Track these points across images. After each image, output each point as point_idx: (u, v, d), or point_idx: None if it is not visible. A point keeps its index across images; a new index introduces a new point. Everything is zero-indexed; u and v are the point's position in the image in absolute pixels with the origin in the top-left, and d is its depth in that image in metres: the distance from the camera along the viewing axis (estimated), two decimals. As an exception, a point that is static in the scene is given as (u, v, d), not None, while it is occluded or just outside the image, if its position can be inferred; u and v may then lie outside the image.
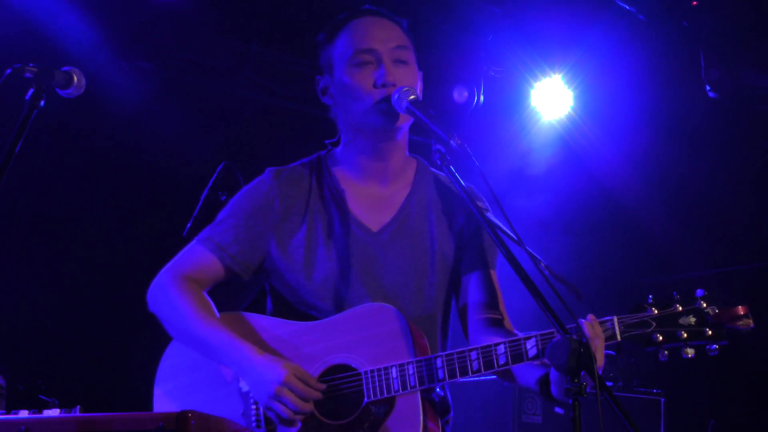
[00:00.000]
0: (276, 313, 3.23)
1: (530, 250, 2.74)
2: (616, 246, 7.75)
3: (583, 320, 2.75)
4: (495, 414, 5.88)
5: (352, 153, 3.26)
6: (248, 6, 6.18)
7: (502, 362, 2.86)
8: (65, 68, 2.95)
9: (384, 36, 3.18)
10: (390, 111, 3.09)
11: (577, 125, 7.16)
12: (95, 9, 5.76)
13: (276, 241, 3.20)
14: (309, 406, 2.95)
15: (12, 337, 5.72)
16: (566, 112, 7.16)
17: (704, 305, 2.77)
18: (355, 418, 2.97)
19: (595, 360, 2.49)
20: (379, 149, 3.22)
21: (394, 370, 2.94)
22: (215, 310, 3.16)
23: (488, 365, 2.87)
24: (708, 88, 6.50)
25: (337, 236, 3.19)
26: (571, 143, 7.25)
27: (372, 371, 2.96)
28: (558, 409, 2.85)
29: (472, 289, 3.22)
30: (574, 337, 2.52)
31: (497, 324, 3.16)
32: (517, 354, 2.85)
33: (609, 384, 4.96)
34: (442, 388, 3.04)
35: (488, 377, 3.03)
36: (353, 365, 3.00)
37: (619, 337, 2.80)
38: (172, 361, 3.23)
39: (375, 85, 3.12)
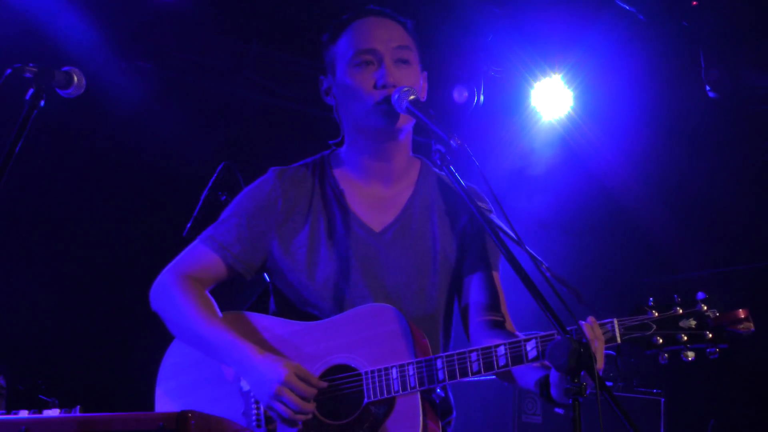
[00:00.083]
0: (278, 313, 3.23)
1: (532, 251, 2.74)
2: (616, 246, 7.75)
3: (583, 322, 2.75)
4: (495, 414, 5.87)
5: (355, 153, 3.26)
6: (248, 6, 6.18)
7: (502, 364, 2.86)
8: (65, 68, 2.95)
9: (385, 36, 3.17)
10: (390, 112, 3.09)
11: (577, 125, 7.15)
12: (95, 9, 5.75)
13: (278, 241, 3.21)
14: (310, 406, 2.95)
15: (12, 337, 5.71)
16: (566, 112, 7.15)
17: (705, 308, 2.77)
18: (355, 418, 2.97)
19: (595, 361, 2.49)
20: (382, 150, 3.22)
21: (394, 370, 2.94)
22: (217, 310, 3.16)
23: (488, 366, 2.88)
24: (708, 88, 6.50)
25: (339, 236, 3.19)
26: (571, 143, 7.25)
27: (372, 372, 2.96)
28: (558, 409, 2.85)
29: (474, 290, 3.22)
30: (574, 337, 2.53)
31: (498, 326, 3.16)
32: (517, 355, 2.85)
33: (609, 384, 4.96)
34: (444, 389, 3.04)
35: (488, 377, 3.03)
36: (354, 365, 3.00)
37: (619, 340, 2.80)
38: (174, 359, 3.24)
39: (375, 86, 3.11)
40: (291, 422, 2.96)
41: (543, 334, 2.82)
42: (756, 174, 7.16)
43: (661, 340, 2.77)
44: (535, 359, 2.83)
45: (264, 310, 3.28)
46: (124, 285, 5.97)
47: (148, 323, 3.48)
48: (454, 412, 3.21)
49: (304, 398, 2.93)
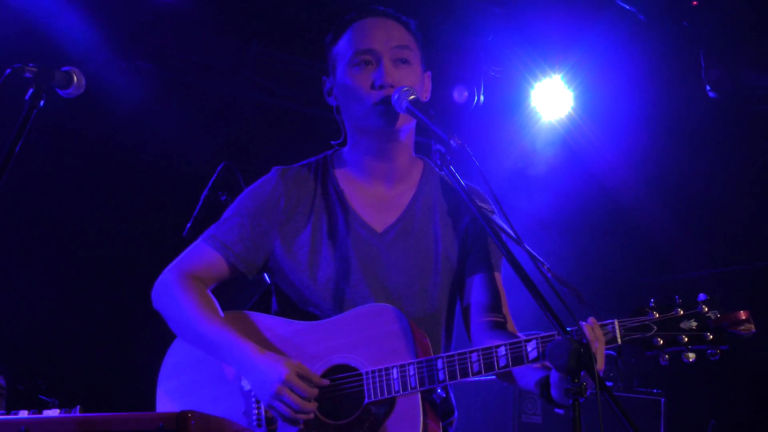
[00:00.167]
0: (280, 313, 3.24)
1: (533, 252, 2.74)
2: (617, 246, 7.75)
3: (584, 323, 2.75)
4: (495, 414, 5.87)
5: (357, 154, 3.26)
6: (248, 6, 6.18)
7: (502, 364, 2.86)
8: (65, 68, 2.95)
9: (385, 36, 3.17)
10: (389, 112, 3.09)
11: (577, 125, 7.16)
12: (95, 9, 5.75)
13: (280, 241, 3.21)
14: (311, 405, 2.95)
15: (12, 337, 5.72)
16: (566, 113, 7.15)
17: (706, 309, 2.77)
18: (356, 418, 2.97)
19: (595, 361, 2.49)
20: (384, 150, 3.21)
21: (395, 370, 2.94)
22: (219, 309, 3.17)
23: (489, 367, 2.87)
24: (708, 88, 6.50)
25: (341, 236, 3.19)
26: (572, 143, 7.25)
27: (373, 372, 2.96)
28: (558, 410, 2.85)
29: (476, 291, 3.22)
30: (575, 337, 2.52)
31: (500, 326, 3.16)
32: (518, 356, 2.85)
33: (609, 384, 4.96)
34: (445, 389, 3.03)
35: (488, 377, 3.03)
36: (354, 365, 3.00)
37: (619, 341, 2.80)
38: (175, 359, 3.24)
39: (373, 86, 3.11)
40: (292, 421, 2.96)
41: (544, 334, 2.82)
42: (756, 174, 7.16)
43: (661, 342, 2.77)
44: (536, 360, 2.83)
45: (266, 310, 3.29)
46: (124, 285, 5.98)
47: (148, 323, 3.48)
48: (456, 413, 3.20)
49: (305, 398, 2.93)
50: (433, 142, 2.84)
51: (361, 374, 2.98)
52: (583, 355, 2.47)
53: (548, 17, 6.49)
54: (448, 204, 3.28)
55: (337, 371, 3.01)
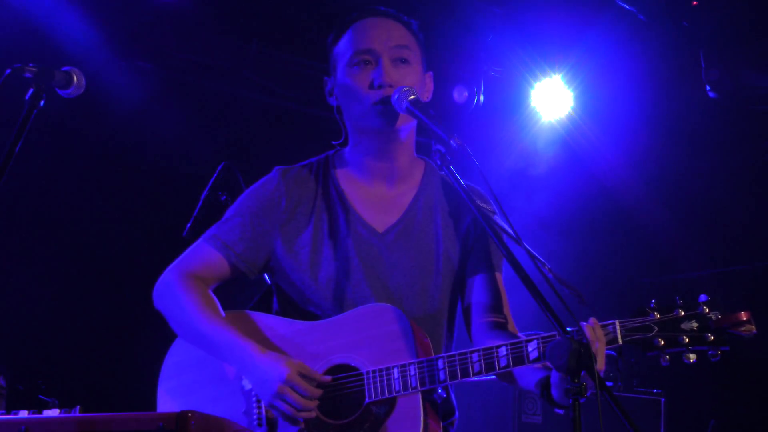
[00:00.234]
0: (281, 312, 3.24)
1: (533, 252, 2.74)
2: (617, 246, 7.75)
3: (584, 323, 2.75)
4: (495, 414, 5.87)
5: (358, 154, 3.26)
6: (248, 6, 6.18)
7: (503, 364, 2.86)
8: (65, 68, 2.95)
9: (384, 35, 3.17)
10: (388, 112, 3.09)
11: (578, 125, 7.16)
12: (95, 9, 5.75)
13: (282, 240, 3.21)
14: (312, 404, 2.95)
15: (12, 337, 5.71)
16: (566, 113, 7.16)
17: (707, 310, 2.77)
18: (356, 418, 2.97)
19: (596, 361, 2.49)
20: (384, 150, 3.21)
21: (395, 370, 2.94)
22: (220, 309, 3.17)
23: (489, 367, 2.87)
24: (708, 88, 6.50)
25: (342, 236, 3.19)
26: (572, 143, 7.25)
27: (374, 371, 2.96)
28: (559, 410, 2.85)
29: (477, 291, 3.22)
30: (575, 337, 2.52)
31: (501, 327, 3.16)
32: (519, 356, 2.85)
33: (609, 384, 4.95)
34: (446, 390, 3.03)
35: (489, 377, 3.03)
36: (355, 365, 3.00)
37: (620, 341, 2.80)
38: (176, 358, 3.24)
39: (372, 86, 3.11)
40: (293, 421, 2.95)
41: (544, 334, 2.82)
42: (756, 174, 7.16)
43: (662, 342, 2.77)
44: (537, 360, 2.83)
45: (266, 310, 3.29)
46: (124, 285, 5.99)
47: (148, 323, 3.48)
48: (457, 413, 3.20)
49: (306, 397, 2.93)
50: (434, 142, 2.84)
51: (361, 374, 2.98)
52: (583, 355, 2.47)
53: (548, 17, 6.49)
54: (449, 204, 3.28)
55: (338, 371, 3.01)
